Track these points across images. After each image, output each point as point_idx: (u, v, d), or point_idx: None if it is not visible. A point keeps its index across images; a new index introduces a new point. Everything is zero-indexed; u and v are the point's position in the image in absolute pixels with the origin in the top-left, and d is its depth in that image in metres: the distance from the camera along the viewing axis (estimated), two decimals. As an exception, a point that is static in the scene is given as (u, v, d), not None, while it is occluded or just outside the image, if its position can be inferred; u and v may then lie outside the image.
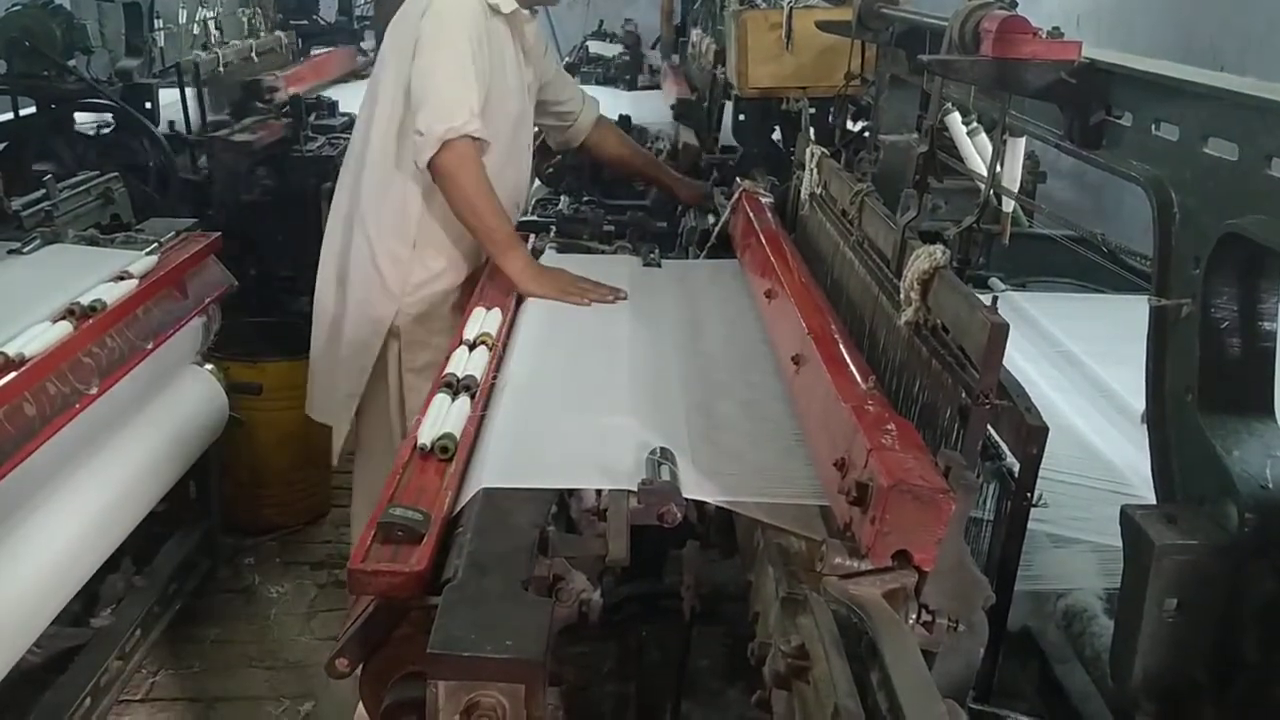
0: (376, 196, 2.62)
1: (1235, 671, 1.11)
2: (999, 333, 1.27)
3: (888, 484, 1.20)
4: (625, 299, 2.29)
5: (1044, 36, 1.39)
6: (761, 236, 2.31)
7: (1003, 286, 2.50)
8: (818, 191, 2.29)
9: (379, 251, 2.61)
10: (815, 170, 2.31)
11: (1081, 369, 2.06)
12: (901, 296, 1.55)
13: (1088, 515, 1.52)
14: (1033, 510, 1.36)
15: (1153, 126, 1.26)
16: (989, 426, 1.35)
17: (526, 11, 2.65)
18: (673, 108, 4.22)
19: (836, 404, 1.44)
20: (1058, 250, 2.40)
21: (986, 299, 2.39)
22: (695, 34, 5.04)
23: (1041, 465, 1.36)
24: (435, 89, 2.42)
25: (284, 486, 3.56)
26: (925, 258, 1.50)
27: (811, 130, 2.95)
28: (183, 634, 3.07)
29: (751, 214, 2.49)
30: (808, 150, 2.37)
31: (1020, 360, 2.05)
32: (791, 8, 2.66)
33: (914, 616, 1.20)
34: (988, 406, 1.29)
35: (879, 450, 1.27)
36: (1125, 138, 1.32)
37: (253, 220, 4.05)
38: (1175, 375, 1.19)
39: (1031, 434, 1.26)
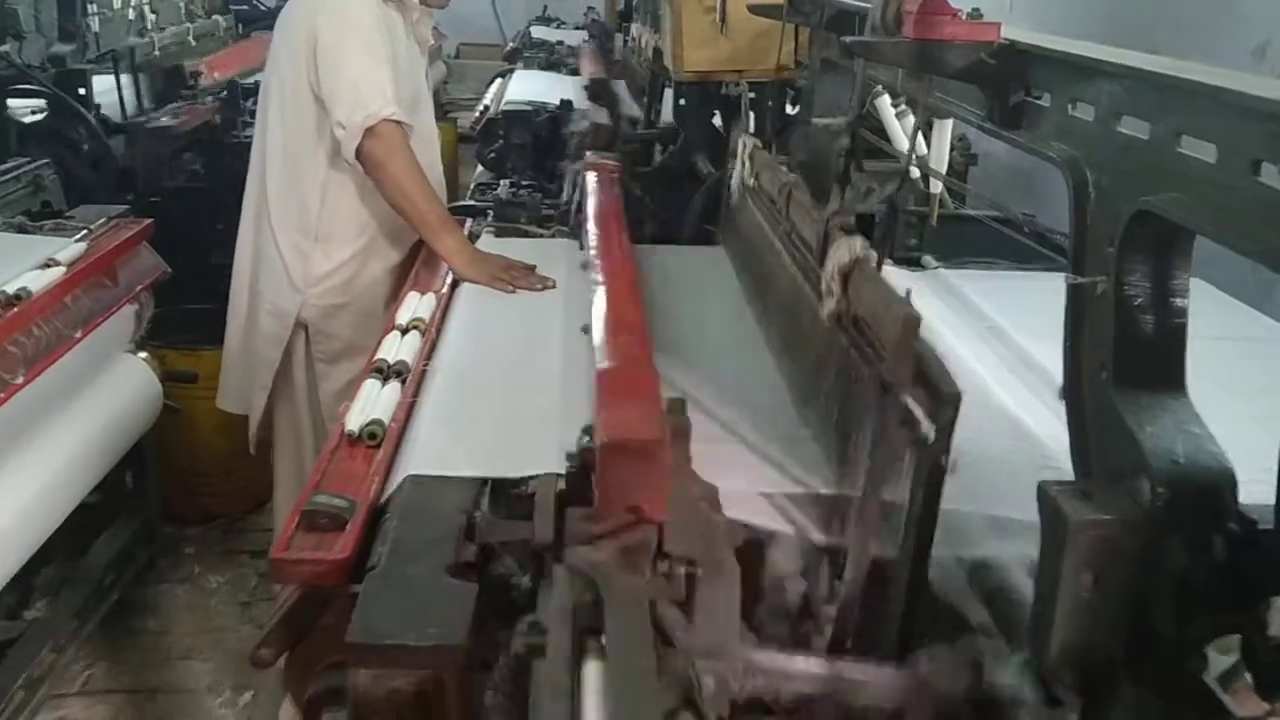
0: (280, 192, 2.63)
1: (1150, 645, 1.12)
2: (910, 324, 1.28)
3: (604, 441, 1.20)
4: (554, 287, 2.28)
5: (964, 18, 1.40)
6: (588, 208, 2.33)
7: (935, 264, 2.53)
8: (750, 183, 2.30)
9: (283, 244, 2.63)
10: (748, 161, 2.31)
11: (1009, 344, 2.08)
12: (823, 288, 1.56)
13: (1011, 489, 1.55)
14: (958, 486, 1.38)
15: (1069, 106, 1.27)
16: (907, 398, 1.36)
17: (415, 0, 2.66)
18: (586, 88, 4.18)
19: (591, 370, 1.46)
20: (989, 232, 2.43)
21: (917, 275, 2.43)
22: (635, 28, 5.02)
23: (966, 441, 1.38)
24: (346, 81, 2.43)
25: (223, 475, 3.52)
26: (845, 249, 1.51)
27: (751, 115, 2.96)
28: (121, 625, 3.03)
29: (588, 185, 2.50)
30: (740, 141, 2.37)
31: (949, 336, 2.08)
32: (727, -9, 2.65)
33: (654, 569, 1.19)
34: (900, 398, 1.30)
35: (603, 409, 1.28)
36: (1044, 118, 1.33)
37: (188, 206, 3.99)
38: (1091, 352, 1.20)
39: (944, 399, 1.27)
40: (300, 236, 2.61)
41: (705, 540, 1.19)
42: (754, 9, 2.50)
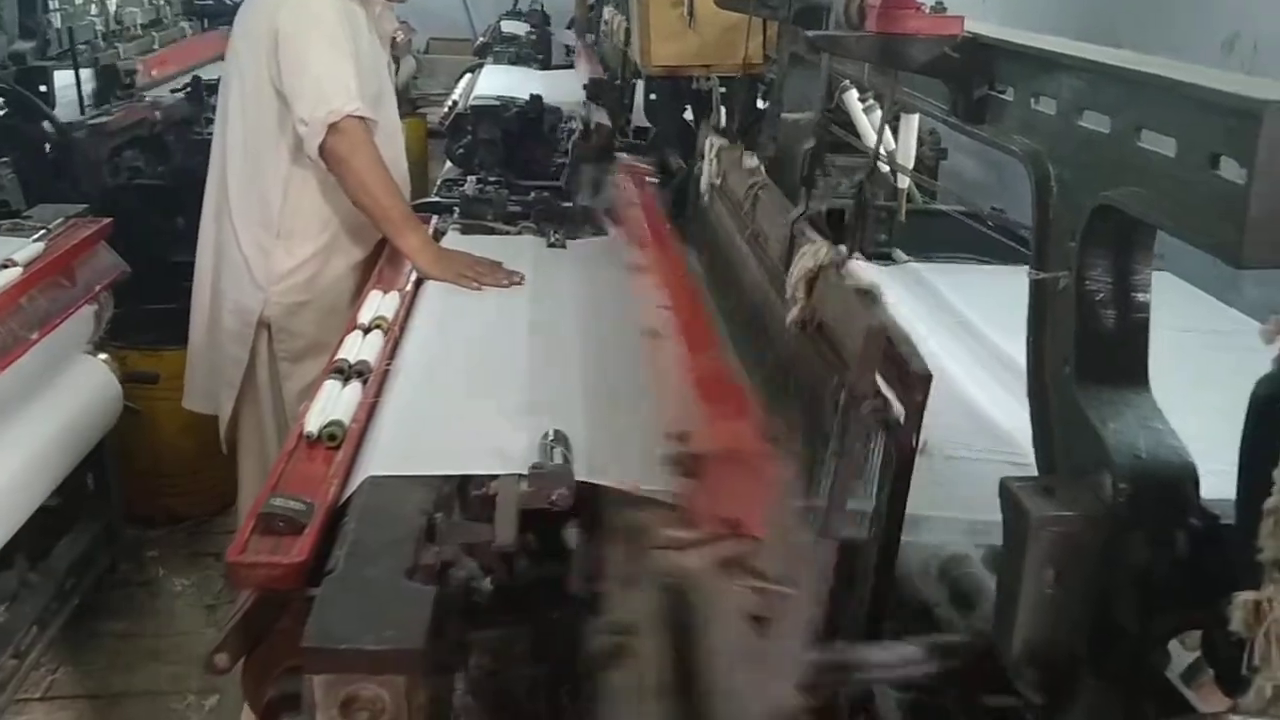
0: (241, 188, 2.60)
1: (1113, 640, 1.12)
2: (875, 336, 1.27)
3: (713, 452, 1.19)
4: (521, 283, 2.27)
5: (928, 11, 1.39)
6: (635, 210, 2.30)
7: (905, 258, 2.52)
8: (716, 183, 2.28)
9: (245, 242, 2.60)
10: (715, 161, 2.29)
11: (980, 338, 2.08)
12: (788, 294, 1.54)
13: (980, 487, 1.54)
14: (928, 484, 1.37)
15: (1032, 100, 1.26)
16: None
17: None
18: (585, 87, 4.17)
19: (676, 375, 1.44)
20: (960, 226, 2.42)
21: (887, 269, 2.44)
22: (608, 12, 5.00)
23: (938, 440, 1.37)
24: (310, 76, 2.41)
25: (188, 477, 3.48)
26: (810, 256, 1.50)
27: (722, 109, 2.95)
28: (84, 630, 2.99)
29: (626, 188, 2.48)
30: (707, 140, 2.36)
31: (920, 330, 2.07)
32: (694, -16, 2.62)
33: (745, 584, 1.19)
34: (867, 408, 1.29)
35: (707, 419, 1.26)
36: (1007, 112, 1.32)
37: (148, 205, 3.94)
38: (1054, 348, 1.19)
39: (915, 381, 1.26)
40: (262, 233, 2.58)
41: (796, 562, 1.18)
42: (721, 3, 2.48)
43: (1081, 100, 1.14)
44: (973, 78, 1.37)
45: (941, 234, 2.47)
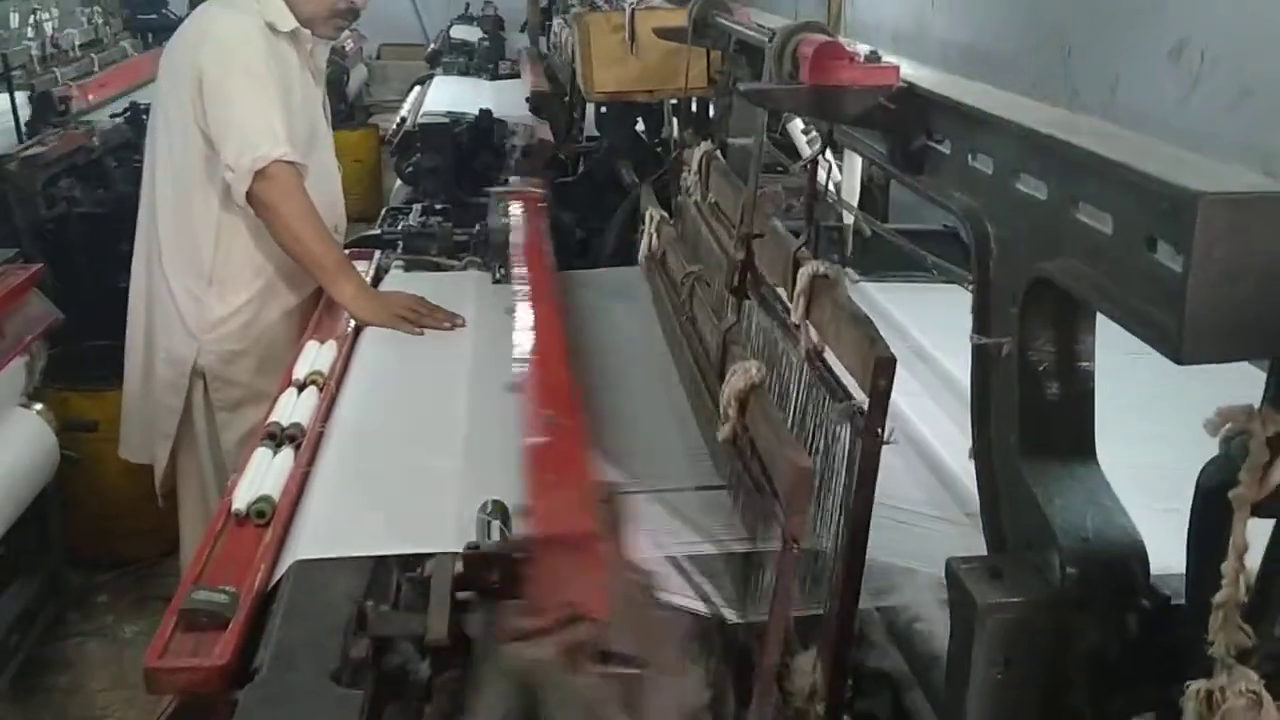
0: (170, 235, 2.53)
1: (1066, 723, 1.08)
2: (803, 477, 1.22)
3: (539, 533, 1.15)
4: (464, 325, 2.20)
5: (861, 60, 1.35)
6: (520, 244, 2.25)
7: (857, 278, 2.48)
8: (657, 256, 2.22)
9: (176, 290, 2.52)
10: (655, 235, 2.23)
11: (933, 365, 2.04)
12: (720, 410, 1.49)
13: (933, 539, 1.51)
14: (879, 538, 1.33)
15: (969, 156, 1.21)
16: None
17: (308, 31, 2.55)
18: (528, 100, 4.08)
19: (521, 441, 1.38)
20: (914, 241, 2.38)
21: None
22: (558, 23, 4.94)
23: (887, 490, 1.32)
24: (235, 121, 2.33)
25: (135, 519, 3.38)
26: (741, 376, 1.44)
27: (674, 123, 2.90)
28: (31, 684, 2.91)
29: (513, 216, 2.42)
30: (648, 213, 2.29)
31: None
32: (633, 10, 2.58)
33: (599, 669, 1.12)
34: (795, 550, 1.24)
35: (537, 495, 1.22)
36: (945, 165, 1.27)
37: (86, 236, 3.84)
38: (998, 417, 1.15)
39: (879, 366, 1.21)
40: (194, 280, 2.51)
41: (653, 637, 1.12)
42: (660, 33, 2.43)
43: (1016, 162, 1.10)
44: (911, 128, 1.32)
45: (894, 250, 2.43)
